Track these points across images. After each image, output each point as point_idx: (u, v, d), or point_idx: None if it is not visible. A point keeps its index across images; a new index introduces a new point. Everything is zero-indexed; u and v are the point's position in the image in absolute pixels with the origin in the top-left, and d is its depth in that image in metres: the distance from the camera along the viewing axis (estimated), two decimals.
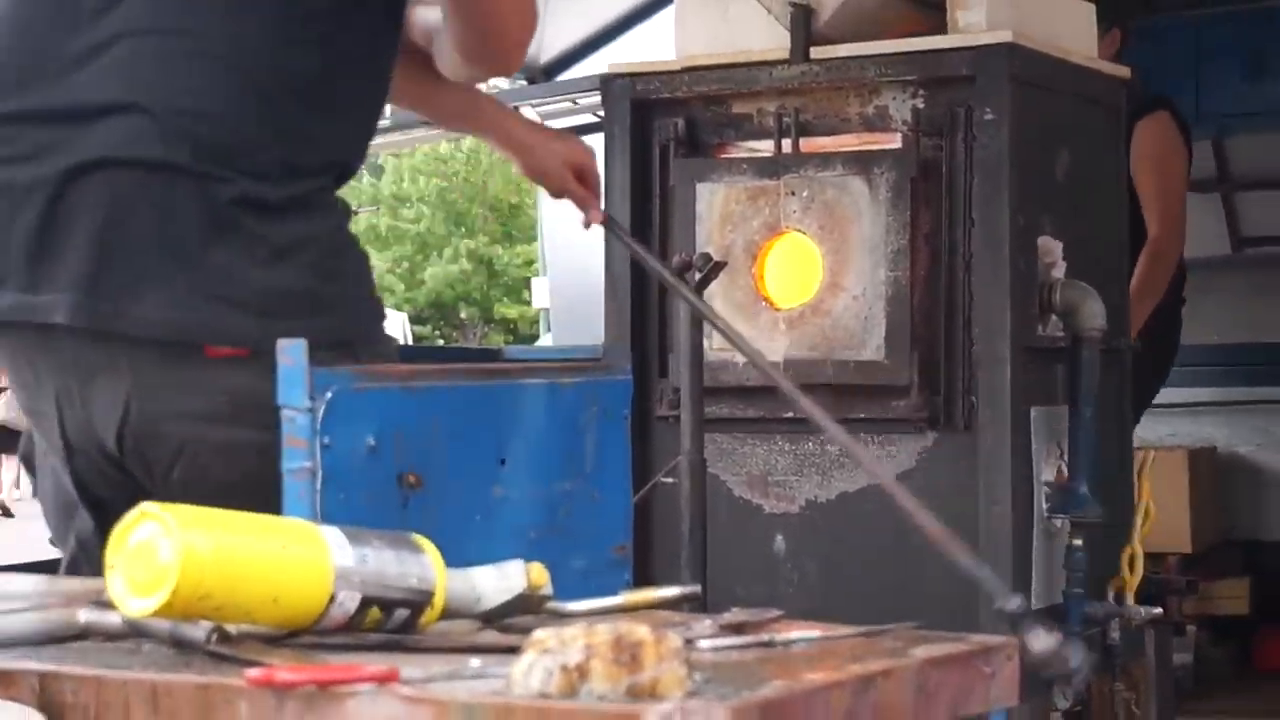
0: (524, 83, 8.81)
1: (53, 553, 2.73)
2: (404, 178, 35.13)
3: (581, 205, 3.50)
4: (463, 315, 35.83)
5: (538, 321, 26.32)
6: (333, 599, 1.93)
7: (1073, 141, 4.26)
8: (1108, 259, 4.44)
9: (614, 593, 2.23)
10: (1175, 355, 6.15)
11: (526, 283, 29.22)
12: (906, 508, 2.93)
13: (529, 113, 7.84)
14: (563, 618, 2.10)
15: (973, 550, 3.82)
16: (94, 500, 2.59)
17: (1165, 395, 7.36)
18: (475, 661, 1.83)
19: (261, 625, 1.95)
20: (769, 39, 4.23)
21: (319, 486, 2.25)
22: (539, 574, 2.09)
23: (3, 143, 2.51)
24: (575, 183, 3.46)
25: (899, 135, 4.11)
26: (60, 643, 2.04)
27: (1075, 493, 4.07)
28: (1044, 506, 4.06)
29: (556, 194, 3.50)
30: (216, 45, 2.46)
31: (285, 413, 2.25)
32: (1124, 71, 4.49)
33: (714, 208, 4.22)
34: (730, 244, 4.17)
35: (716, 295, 4.12)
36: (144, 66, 2.44)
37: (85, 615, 2.06)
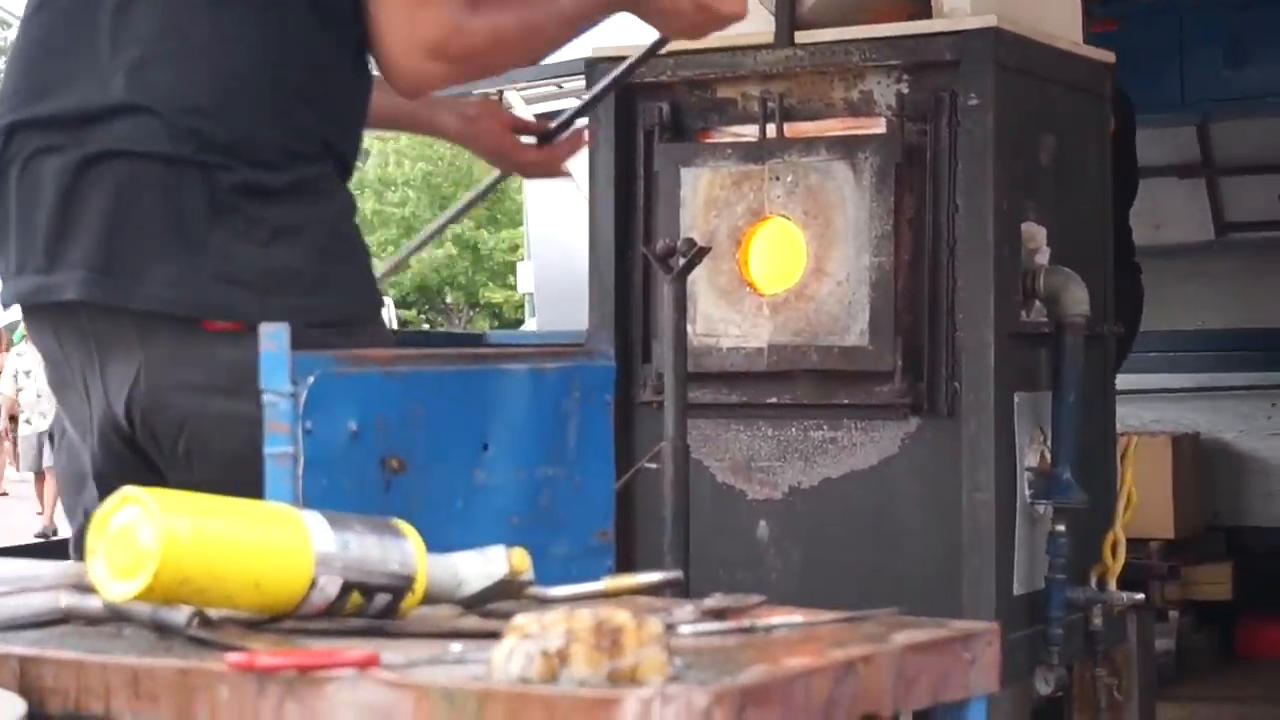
0: None
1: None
2: (389, 161, 35.09)
3: (550, 159, 3.40)
4: (448, 300, 35.80)
5: (523, 306, 26.31)
6: (314, 584, 1.93)
7: (1057, 127, 4.26)
8: (1091, 245, 4.44)
9: (596, 578, 2.22)
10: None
11: (512, 267, 29.19)
12: None
13: (513, 96, 7.84)
14: (544, 603, 2.10)
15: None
16: (105, 480, 2.67)
17: (1149, 381, 7.38)
18: (456, 647, 1.83)
19: (243, 610, 1.94)
20: (754, 24, 4.21)
21: (301, 471, 2.24)
22: (520, 559, 2.08)
23: (26, 142, 2.68)
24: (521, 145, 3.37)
25: (883, 120, 4.11)
26: (41, 627, 2.03)
27: (1058, 478, 4.08)
28: (1027, 492, 4.07)
29: (520, 166, 3.45)
30: (213, 49, 2.63)
31: (267, 397, 2.25)
32: (1108, 56, 4.49)
33: (698, 192, 4.21)
34: (714, 229, 4.17)
35: (700, 280, 4.12)
36: (151, 72, 2.62)
37: (66, 600, 2.06)
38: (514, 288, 28.93)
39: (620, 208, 4.33)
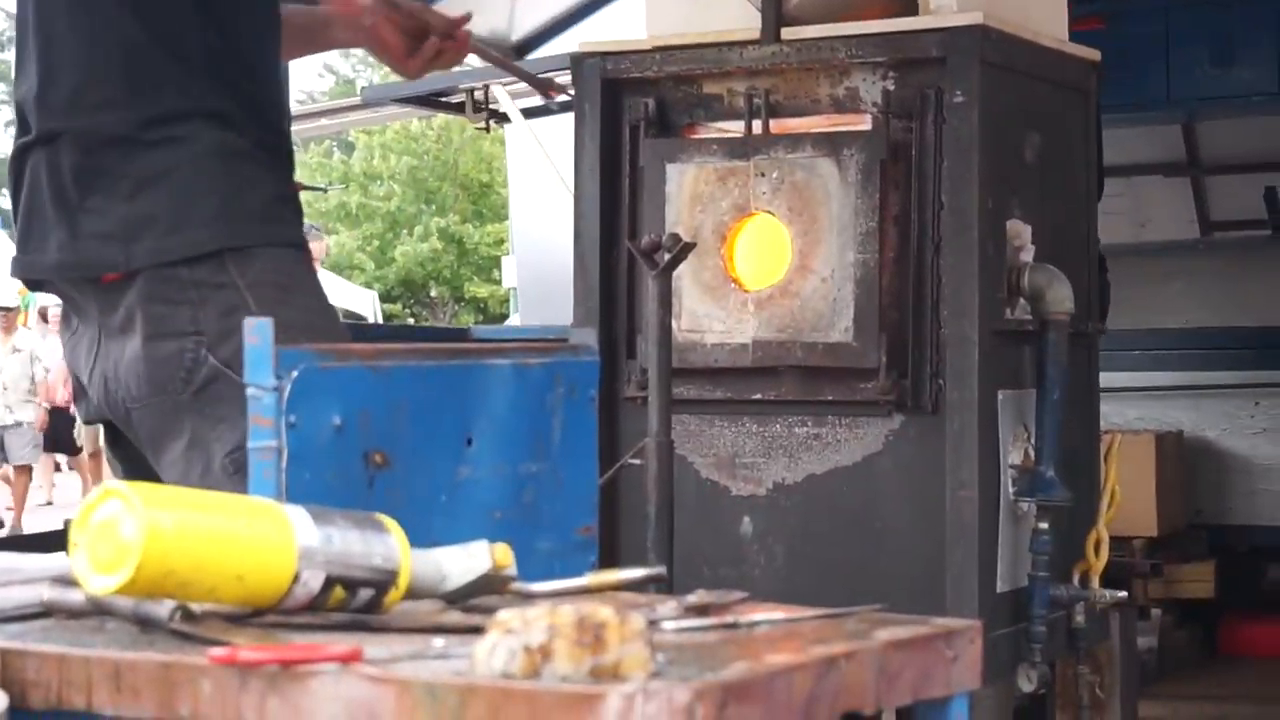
0: None
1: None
2: (374, 155, 35.04)
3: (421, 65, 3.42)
4: (433, 294, 35.77)
5: (508, 301, 26.30)
6: (297, 578, 1.93)
7: (1042, 124, 4.26)
8: (1076, 242, 4.45)
9: (579, 574, 2.22)
10: None
11: (497, 262, 29.17)
12: None
13: (499, 92, 7.84)
14: (527, 598, 2.10)
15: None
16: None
17: (1133, 379, 7.39)
18: (439, 642, 1.83)
19: (226, 604, 1.94)
20: (740, 19, 4.23)
21: (284, 465, 2.24)
22: (504, 554, 2.08)
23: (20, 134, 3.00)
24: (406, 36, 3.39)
25: (869, 117, 4.12)
26: (23, 620, 2.03)
27: (1042, 476, 4.08)
28: (1010, 490, 4.07)
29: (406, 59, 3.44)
30: (78, 31, 2.90)
31: (251, 391, 2.24)
32: (1094, 54, 4.50)
33: (683, 188, 4.21)
34: (699, 225, 4.17)
35: (685, 276, 4.12)
36: (40, 64, 2.92)
37: (48, 593, 2.06)
38: (499, 282, 28.91)
39: (605, 203, 4.33)
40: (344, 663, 1.72)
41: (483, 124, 8.27)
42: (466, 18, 3.34)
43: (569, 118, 4.52)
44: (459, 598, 2.07)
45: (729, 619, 1.96)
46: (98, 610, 2.00)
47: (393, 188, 35.10)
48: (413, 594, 2.03)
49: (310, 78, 39.06)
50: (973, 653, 1.95)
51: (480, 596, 2.08)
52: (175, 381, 2.80)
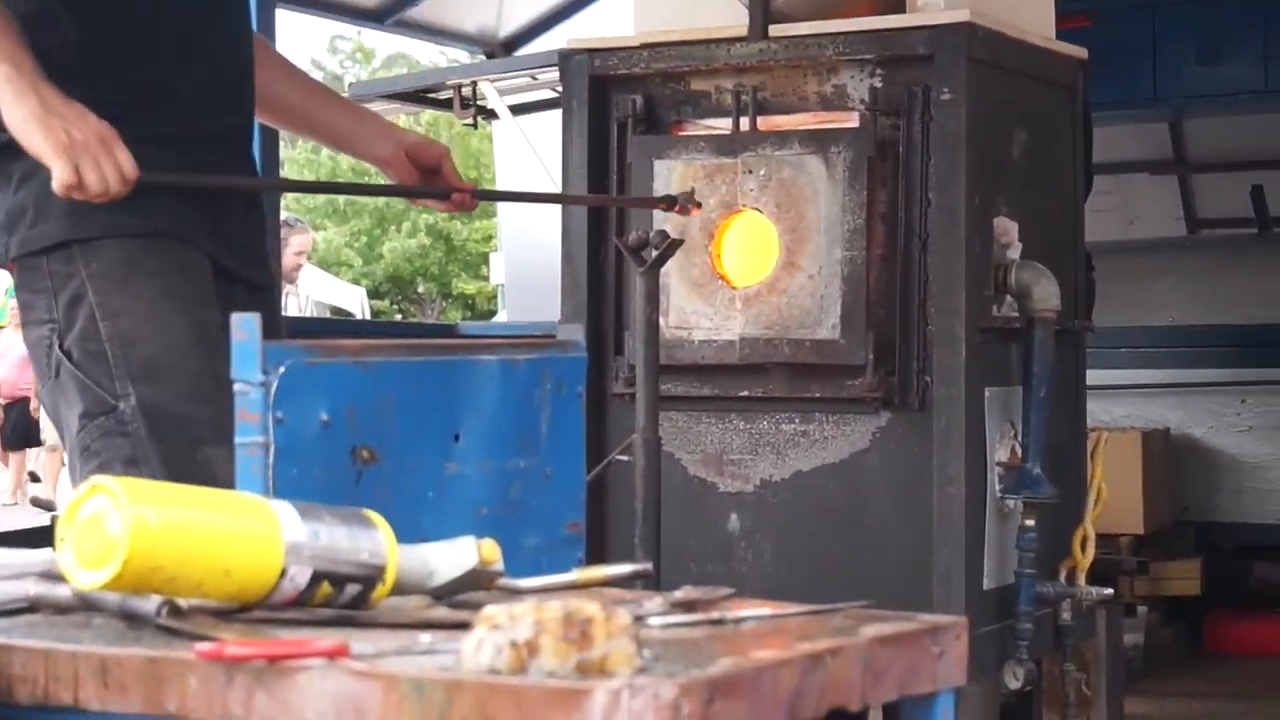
0: (483, 58, 8.80)
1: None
2: None
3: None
4: (420, 290, 35.74)
5: (496, 297, 26.28)
6: (284, 573, 1.93)
7: (1029, 122, 4.27)
8: (1064, 240, 4.45)
9: (567, 570, 2.22)
10: None
11: (485, 258, 29.14)
12: None
13: (487, 88, 7.83)
14: (514, 594, 2.10)
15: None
16: None
17: (1120, 376, 7.40)
18: (426, 637, 1.83)
19: (212, 599, 1.94)
20: (728, 16, 4.23)
21: (271, 461, 2.24)
22: (490, 550, 2.08)
23: None
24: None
25: (856, 114, 4.12)
26: (9, 616, 2.03)
27: (1028, 473, 4.09)
28: (997, 487, 4.08)
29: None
30: None
31: (238, 387, 2.24)
32: (1081, 52, 4.50)
33: (671, 185, 4.21)
34: (687, 222, 4.16)
35: (673, 273, 4.12)
36: None
37: (34, 588, 2.05)
38: (487, 279, 28.90)
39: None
40: (331, 658, 1.72)
41: (470, 120, 8.25)
42: (472, 188, 3.36)
43: (557, 114, 4.52)
44: (446, 593, 2.07)
45: (715, 615, 1.97)
46: (84, 605, 2.00)
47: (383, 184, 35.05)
48: (400, 590, 2.03)
49: None
50: (959, 649, 1.96)
51: (467, 592, 2.08)
52: (44, 367, 2.94)
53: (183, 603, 1.93)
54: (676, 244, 3.70)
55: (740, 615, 1.97)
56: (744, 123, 4.20)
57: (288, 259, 9.71)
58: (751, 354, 4.13)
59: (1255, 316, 7.71)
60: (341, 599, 1.98)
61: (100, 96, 2.84)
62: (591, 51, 4.36)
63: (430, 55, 31.86)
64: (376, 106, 8.93)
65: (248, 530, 1.92)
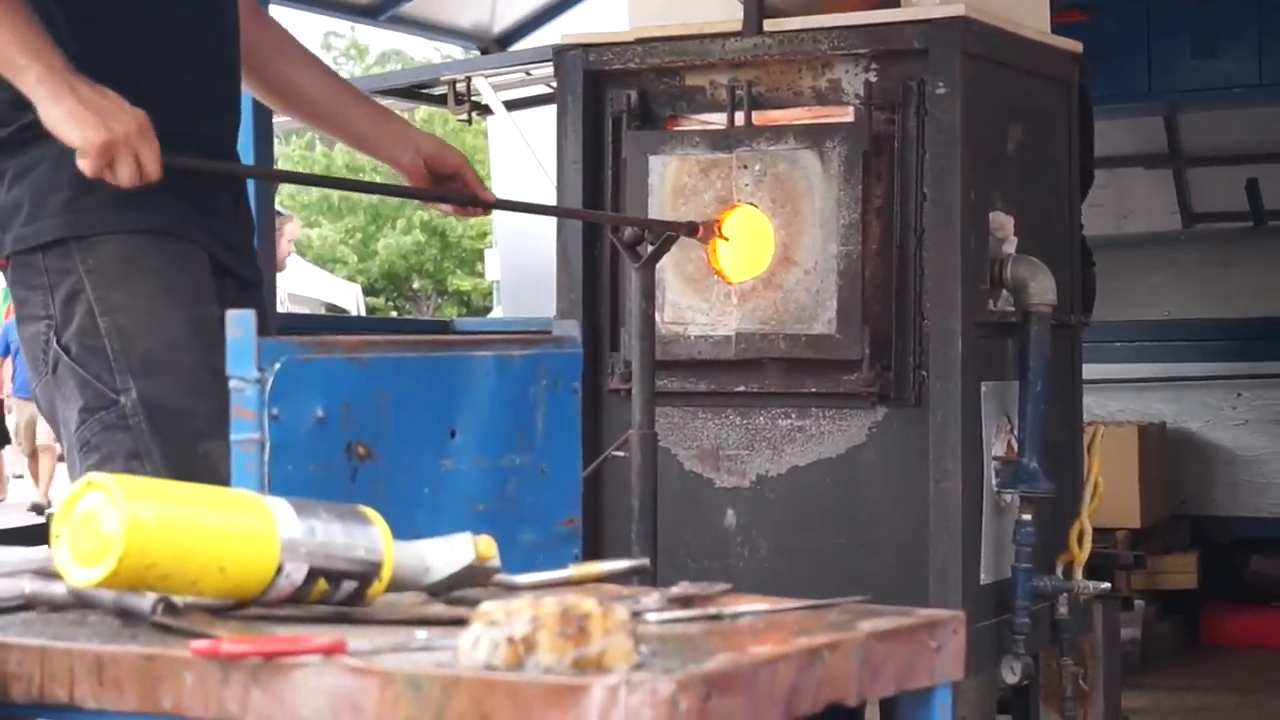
0: (477, 53, 8.79)
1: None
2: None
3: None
4: (416, 287, 35.73)
5: (491, 294, 26.26)
6: (280, 570, 1.92)
7: (1025, 116, 4.27)
8: (1059, 234, 4.45)
9: (563, 566, 2.22)
10: None
11: (480, 255, 29.12)
12: None
13: (481, 83, 7.83)
14: (511, 590, 2.10)
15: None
16: None
17: (1115, 370, 7.40)
18: (422, 634, 1.83)
19: (208, 596, 1.94)
20: (722, 11, 4.22)
21: (267, 457, 2.23)
22: (487, 546, 2.08)
23: None
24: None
25: (851, 109, 4.11)
26: (5, 613, 2.02)
27: (1025, 467, 4.09)
28: (994, 481, 4.07)
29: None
30: None
31: (233, 383, 2.24)
32: (1076, 45, 4.50)
33: (666, 180, 4.21)
34: (682, 217, 4.15)
35: (669, 268, 4.12)
36: None
37: (30, 585, 2.05)
38: (482, 275, 28.88)
39: (588, 195, 4.33)
40: (327, 655, 1.72)
41: (464, 116, 8.25)
42: (494, 199, 3.39)
43: (552, 110, 4.52)
44: (442, 590, 2.07)
45: (712, 610, 1.96)
46: (80, 603, 2.00)
47: (375, 180, 35.06)
48: (396, 586, 2.03)
49: None
50: (956, 644, 1.95)
51: (464, 589, 2.08)
52: (40, 363, 2.95)
53: (178, 600, 1.93)
54: (672, 239, 3.69)
55: (737, 611, 1.97)
56: (739, 118, 4.20)
57: (282, 247, 9.73)
58: (747, 349, 4.13)
59: (1251, 310, 7.72)
60: (337, 596, 1.98)
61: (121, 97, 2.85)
62: (586, 47, 4.36)
63: (425, 51, 31.87)
64: None
65: (243, 527, 1.91)
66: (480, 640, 1.66)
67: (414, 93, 8.43)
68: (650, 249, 3.60)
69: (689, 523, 4.18)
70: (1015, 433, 4.13)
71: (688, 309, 4.19)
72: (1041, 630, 4.25)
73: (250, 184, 3.37)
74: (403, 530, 2.06)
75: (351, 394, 2.34)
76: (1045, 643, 4.33)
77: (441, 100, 8.18)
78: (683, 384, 4.22)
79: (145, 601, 1.92)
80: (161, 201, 2.93)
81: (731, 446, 4.21)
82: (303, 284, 21.42)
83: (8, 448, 16.25)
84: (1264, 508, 7.57)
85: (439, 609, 2.03)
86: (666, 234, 3.60)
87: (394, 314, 33.35)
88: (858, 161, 4.03)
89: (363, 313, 24.90)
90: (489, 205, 3.38)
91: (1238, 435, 7.62)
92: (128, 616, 1.94)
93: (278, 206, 8.78)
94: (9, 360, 14.82)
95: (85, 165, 2.74)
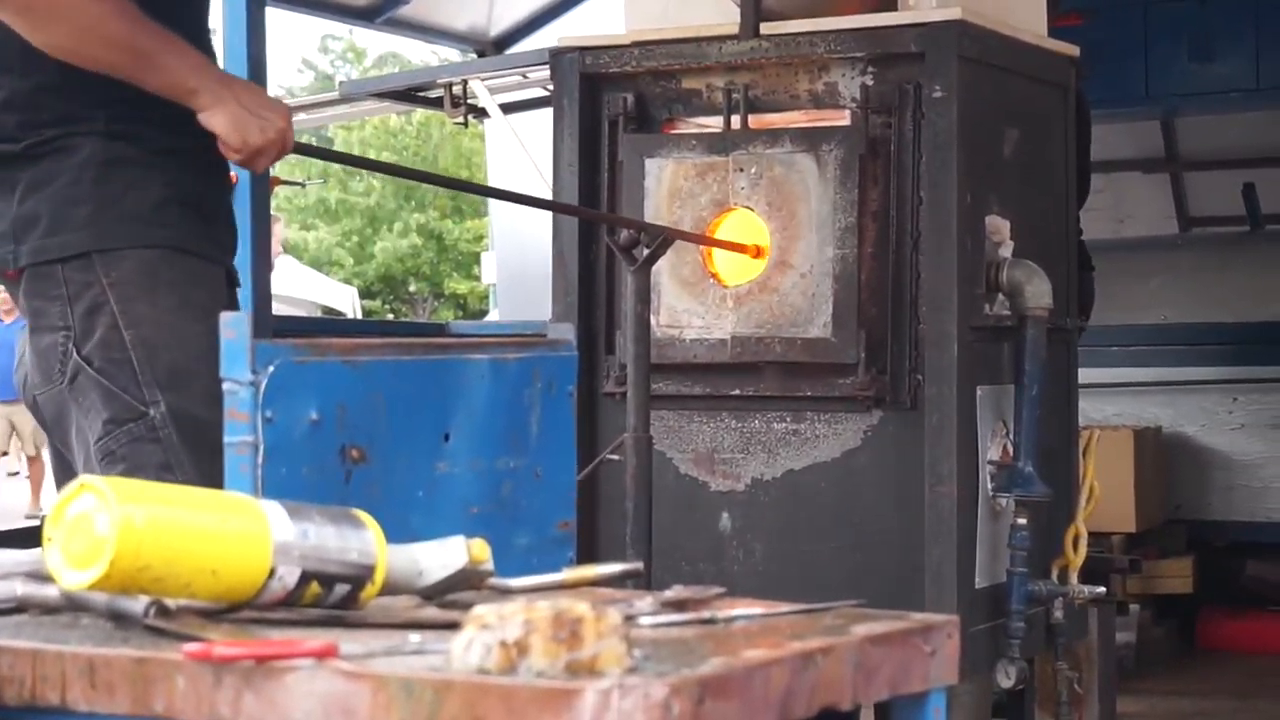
0: (474, 56, 8.78)
1: None
2: (353, 151, 34.93)
3: None
4: (412, 290, 35.73)
5: (488, 297, 26.27)
6: (272, 573, 1.92)
7: (1021, 120, 4.26)
8: (1055, 238, 4.45)
9: (557, 569, 2.21)
10: None
11: (477, 258, 29.12)
12: None
13: (477, 86, 7.82)
14: (504, 594, 2.09)
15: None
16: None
17: (1111, 374, 7.39)
18: (415, 637, 1.82)
19: (200, 599, 1.93)
20: (719, 14, 4.22)
21: (261, 460, 2.23)
22: (480, 549, 2.08)
23: None
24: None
25: (848, 112, 4.11)
26: None
27: (1020, 471, 4.08)
28: (989, 485, 4.07)
29: None
30: None
31: (227, 386, 2.24)
32: (1072, 49, 4.50)
33: (662, 183, 4.21)
34: (678, 220, 4.16)
35: (664, 271, 4.12)
36: None
37: (22, 588, 2.04)
38: (479, 278, 28.88)
39: (584, 197, 4.33)
40: (319, 658, 1.72)
41: (461, 119, 8.24)
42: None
43: (548, 113, 4.51)
44: (435, 593, 2.07)
45: (706, 614, 1.96)
46: (72, 606, 1.99)
47: (372, 183, 35.04)
48: (389, 589, 2.02)
49: (289, 73, 38.99)
50: (950, 648, 1.95)
51: (457, 592, 2.07)
52: (55, 373, 2.95)
53: (171, 603, 1.93)
54: (668, 242, 3.69)
55: (731, 614, 1.96)
56: (735, 121, 4.20)
57: (275, 248, 9.75)
58: (743, 352, 4.13)
59: (1247, 314, 7.71)
60: (330, 599, 1.97)
61: (115, 116, 2.93)
62: (582, 50, 4.36)
63: (422, 54, 31.88)
64: (368, 105, 8.94)
65: (236, 530, 1.91)
66: (473, 644, 1.65)
67: (411, 96, 8.42)
68: (646, 252, 3.59)
69: (684, 526, 4.18)
70: (1011, 437, 4.12)
71: (683, 312, 4.18)
72: (1036, 634, 4.24)
73: (246, 184, 3.36)
74: (397, 533, 2.05)
75: (346, 397, 2.34)
76: (1040, 647, 4.32)
77: (438, 103, 8.16)
78: (678, 387, 4.21)
79: (138, 604, 1.91)
80: (182, 218, 2.96)
81: (727, 450, 4.20)
82: (299, 286, 21.42)
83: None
84: (1260, 512, 7.56)
85: (432, 612, 2.03)
86: (661, 238, 3.59)
87: (390, 317, 33.36)
88: (854, 165, 4.03)
89: (359, 316, 24.88)
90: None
91: (1234, 440, 7.62)
92: (120, 619, 1.93)
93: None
94: None
95: (234, 158, 2.90)
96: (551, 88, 4.52)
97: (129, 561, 1.83)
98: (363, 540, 1.99)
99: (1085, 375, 4.78)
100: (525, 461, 2.59)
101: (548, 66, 4.56)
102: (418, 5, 8.23)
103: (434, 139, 34.44)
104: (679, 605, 2.00)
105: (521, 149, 7.88)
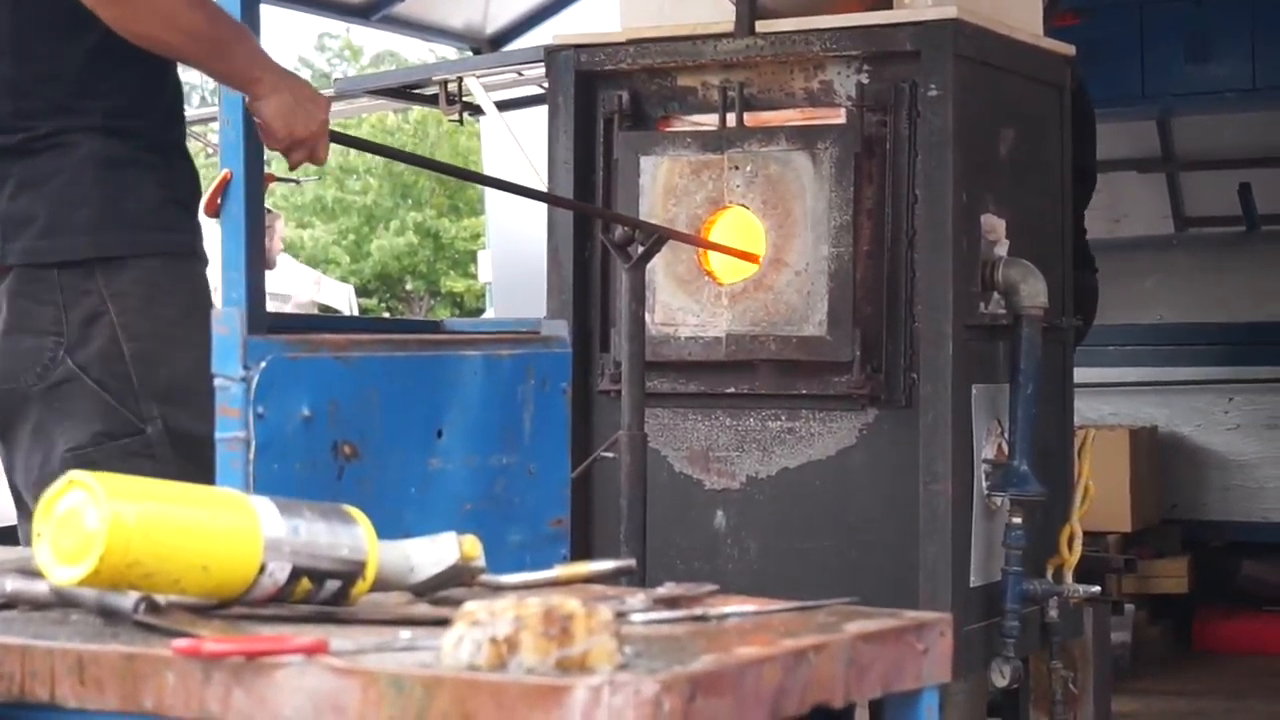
0: (470, 53, 8.78)
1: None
2: (350, 149, 34.90)
3: None
4: (409, 288, 35.73)
5: (484, 295, 26.26)
6: (263, 569, 1.91)
7: (1017, 119, 4.26)
8: (1051, 237, 4.44)
9: (551, 566, 2.21)
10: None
11: (473, 256, 29.10)
12: None
13: (473, 84, 7.82)
14: (496, 590, 2.09)
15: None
16: None
17: (1107, 374, 7.39)
18: (406, 634, 1.82)
19: (190, 595, 1.92)
20: (714, 12, 4.22)
21: (252, 456, 2.23)
22: (471, 546, 2.07)
23: None
24: None
25: (843, 110, 4.11)
26: None
27: (1015, 470, 4.08)
28: (984, 484, 4.07)
29: None
30: None
31: (219, 381, 2.23)
32: (1068, 49, 4.49)
33: (657, 181, 4.20)
34: (674, 218, 4.16)
35: (659, 269, 4.11)
36: None
37: (11, 584, 2.04)
38: (475, 277, 28.87)
39: (580, 195, 4.32)
40: (309, 654, 1.71)
41: (456, 116, 8.24)
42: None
43: (544, 110, 4.51)
44: (427, 590, 2.06)
45: (698, 611, 1.95)
46: (62, 602, 1.99)
47: (368, 181, 35.03)
48: (380, 586, 2.02)
49: None
50: (944, 646, 1.94)
51: (448, 588, 2.07)
52: (29, 374, 2.90)
53: (161, 599, 1.92)
54: (662, 240, 3.69)
55: (724, 612, 1.96)
56: (730, 119, 4.19)
57: (275, 244, 9.77)
58: (738, 350, 4.12)
59: (1243, 314, 7.71)
60: (321, 595, 1.97)
61: (111, 111, 2.92)
62: (578, 47, 4.35)
63: (418, 52, 31.88)
64: (364, 103, 8.94)
65: (226, 526, 1.90)
66: (463, 640, 1.65)
67: (406, 93, 8.42)
68: (641, 250, 3.59)
69: (678, 524, 4.18)
70: (1006, 435, 4.12)
71: (678, 310, 4.18)
72: (1031, 633, 4.24)
73: (241, 182, 3.35)
74: (390, 530, 2.05)
75: (338, 393, 2.34)
76: (1035, 646, 4.32)
77: (433, 100, 8.16)
78: (673, 385, 4.21)
79: (127, 600, 1.91)
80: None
81: (721, 448, 4.20)
82: (294, 285, 21.39)
83: None
84: (1255, 512, 7.56)
85: (423, 609, 2.02)
86: (656, 236, 3.59)
87: (387, 315, 33.35)
88: (849, 163, 4.02)
89: (355, 313, 24.86)
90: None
91: (1229, 440, 7.62)
92: (110, 615, 1.93)
93: (268, 205, 8.78)
94: None
95: (274, 146, 2.89)
96: (547, 85, 4.51)
97: (119, 557, 1.82)
98: (354, 536, 1.99)
99: (1081, 374, 4.78)
100: (518, 458, 2.59)
101: (543, 64, 4.55)
102: (413, 2, 8.22)
103: (431, 137, 34.45)
104: (671, 602, 1.99)
105: (517, 146, 7.88)
